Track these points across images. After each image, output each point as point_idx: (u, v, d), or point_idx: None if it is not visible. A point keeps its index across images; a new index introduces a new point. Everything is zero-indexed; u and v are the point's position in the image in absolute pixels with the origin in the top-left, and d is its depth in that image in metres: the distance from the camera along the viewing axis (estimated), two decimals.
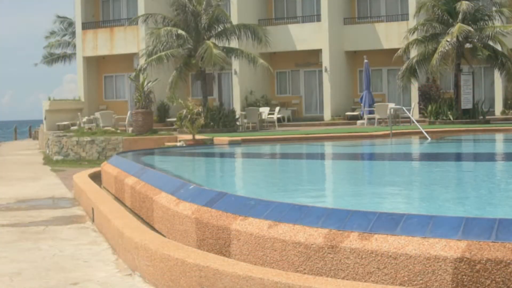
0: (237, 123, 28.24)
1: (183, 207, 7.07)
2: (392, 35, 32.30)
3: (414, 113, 28.38)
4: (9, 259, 7.46)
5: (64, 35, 44.95)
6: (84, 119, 29.99)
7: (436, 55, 26.35)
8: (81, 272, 6.77)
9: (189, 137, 20.84)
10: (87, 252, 7.70)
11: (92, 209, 9.66)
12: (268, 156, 15.81)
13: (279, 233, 5.54)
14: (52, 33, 44.93)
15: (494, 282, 4.48)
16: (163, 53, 26.84)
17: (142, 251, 6.30)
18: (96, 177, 13.15)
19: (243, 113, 29.90)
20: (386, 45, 32.56)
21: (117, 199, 10.61)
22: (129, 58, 35.45)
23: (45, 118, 31.71)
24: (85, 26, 36.00)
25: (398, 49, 28.67)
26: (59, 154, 22.98)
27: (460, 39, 26.28)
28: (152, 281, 6.10)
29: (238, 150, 17.07)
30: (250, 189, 8.97)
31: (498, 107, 31.41)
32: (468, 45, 27.89)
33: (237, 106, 32.49)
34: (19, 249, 7.97)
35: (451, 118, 27.28)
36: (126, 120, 27.96)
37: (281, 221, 5.66)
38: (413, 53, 28.77)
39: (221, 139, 19.66)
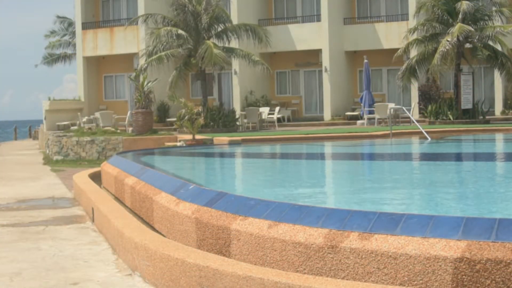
0: (237, 123, 28.23)
1: (183, 207, 7.07)
2: (392, 35, 32.30)
3: (414, 113, 28.38)
4: (9, 259, 7.46)
5: (64, 35, 44.94)
6: (84, 119, 29.99)
7: (436, 55, 26.36)
8: (81, 272, 6.77)
9: (189, 137, 20.84)
10: (87, 252, 7.70)
11: (92, 209, 9.66)
12: (269, 156, 15.81)
13: (279, 233, 5.54)
14: (53, 32, 44.92)
15: (494, 282, 4.48)
16: (163, 53, 26.84)
17: (142, 251, 6.30)
18: (96, 177, 13.15)
19: (243, 113, 29.90)
20: (386, 45, 32.57)
21: (117, 199, 10.61)
22: (129, 58, 35.45)
23: (45, 118, 31.71)
24: (85, 26, 36.00)
25: (398, 49, 28.68)
26: (59, 154, 22.98)
27: (461, 39, 26.29)
28: (152, 281, 6.10)
29: (239, 150, 17.07)
30: (252, 189, 8.97)
31: (498, 107, 31.41)
32: (468, 45, 27.89)
33: (237, 106, 32.49)
34: (19, 249, 7.97)
35: (451, 118, 27.28)
36: (126, 120, 27.95)
37: (281, 221, 5.66)
38: (413, 53, 28.77)
39: (221, 139, 19.65)
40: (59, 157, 22.86)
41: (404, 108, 24.23)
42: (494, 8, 28.07)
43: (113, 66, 37.07)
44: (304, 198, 7.51)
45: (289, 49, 34.00)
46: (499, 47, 27.93)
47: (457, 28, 26.16)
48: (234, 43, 29.15)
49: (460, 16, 26.92)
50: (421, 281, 4.70)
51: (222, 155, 16.09)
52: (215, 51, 25.45)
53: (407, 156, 15.04)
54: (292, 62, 35.30)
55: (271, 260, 5.56)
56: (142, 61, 28.93)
